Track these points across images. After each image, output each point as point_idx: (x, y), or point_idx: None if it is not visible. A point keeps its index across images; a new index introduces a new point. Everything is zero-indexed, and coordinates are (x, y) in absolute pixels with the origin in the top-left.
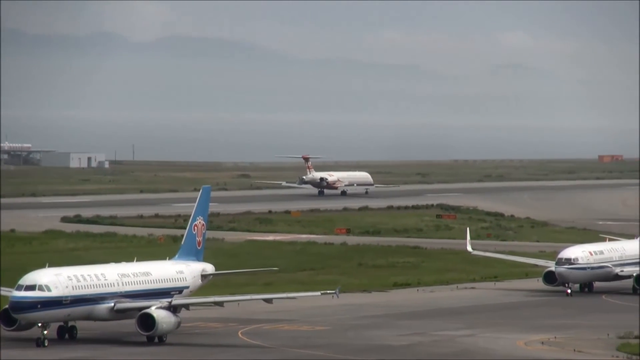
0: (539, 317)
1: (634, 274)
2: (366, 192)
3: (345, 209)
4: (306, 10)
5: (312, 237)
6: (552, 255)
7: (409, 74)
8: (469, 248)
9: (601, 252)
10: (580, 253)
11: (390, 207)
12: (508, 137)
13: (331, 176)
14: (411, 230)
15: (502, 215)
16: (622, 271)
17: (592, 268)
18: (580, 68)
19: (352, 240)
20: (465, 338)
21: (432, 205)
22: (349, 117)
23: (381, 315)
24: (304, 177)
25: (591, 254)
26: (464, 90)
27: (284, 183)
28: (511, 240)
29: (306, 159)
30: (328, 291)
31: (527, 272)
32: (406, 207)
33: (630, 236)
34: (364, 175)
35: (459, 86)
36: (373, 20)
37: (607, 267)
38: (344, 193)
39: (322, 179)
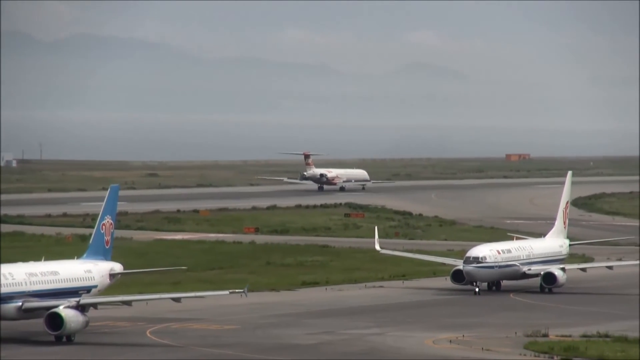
0: (447, 315)
1: (542, 273)
2: (363, 188)
3: (254, 208)
4: (213, 9)
5: (221, 236)
6: (460, 254)
7: (317, 73)
8: (377, 247)
9: (509, 251)
10: (488, 252)
11: (298, 206)
12: (416, 135)
13: (330, 173)
14: (320, 229)
15: (410, 214)
16: (529, 270)
17: (500, 267)
18: (489, 67)
19: (261, 239)
20: (373, 337)
21: (341, 204)
22: (257, 117)
23: (290, 314)
24: (305, 173)
25: (499, 253)
26: (371, 89)
27: (285, 179)
28: (419, 239)
29: (307, 156)
30: (236, 290)
31: (435, 270)
32: (315, 206)
33: (537, 235)
34: (361, 172)
35: (366, 85)
36: (280, 19)
37: (515, 265)
38: (342, 189)
39: (322, 175)
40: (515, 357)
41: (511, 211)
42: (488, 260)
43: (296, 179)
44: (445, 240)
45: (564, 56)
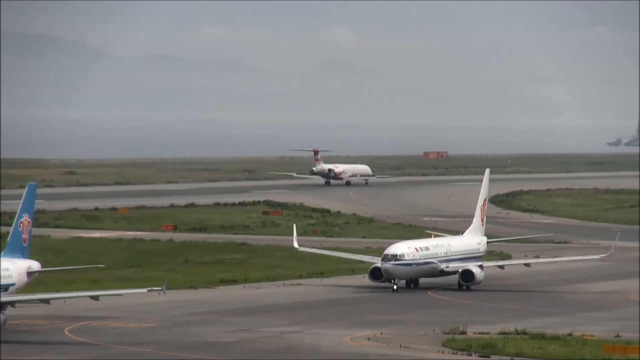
0: (365, 313)
1: (459, 270)
2: (366, 183)
3: (172, 206)
4: (131, 7)
5: (139, 234)
6: (379, 252)
7: (234, 70)
8: (296, 244)
9: (427, 248)
10: (406, 249)
11: (217, 204)
12: (334, 133)
13: (337, 168)
14: (238, 227)
15: (328, 211)
16: (447, 267)
17: (418, 264)
18: (405, 64)
19: (179, 237)
20: (291, 334)
21: (259, 201)
22: (176, 114)
23: (208, 312)
24: (314, 168)
25: (417, 250)
26: (288, 86)
27: (294, 174)
28: (337, 237)
29: (316, 152)
30: (155, 288)
31: (353, 268)
32: (233, 204)
33: (455, 232)
34: (365, 168)
35: (283, 82)
36: (196, 17)
37: (433, 263)
38: (348, 183)
39: (330, 170)
40: (433, 354)
41: (429, 209)
42: (406, 257)
43: (312, 174)
44: (364, 237)
45: (483, 53)
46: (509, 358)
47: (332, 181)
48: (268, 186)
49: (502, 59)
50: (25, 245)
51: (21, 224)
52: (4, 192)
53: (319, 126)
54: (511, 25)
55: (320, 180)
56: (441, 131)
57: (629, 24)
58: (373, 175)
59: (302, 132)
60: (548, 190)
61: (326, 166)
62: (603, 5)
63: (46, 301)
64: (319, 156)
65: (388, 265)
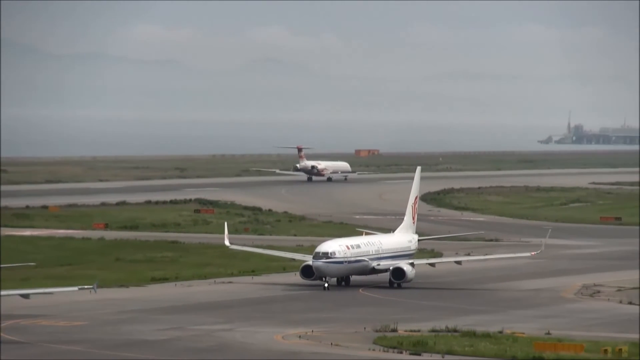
0: (297, 311)
1: (391, 268)
2: (345, 179)
3: (103, 204)
4: (62, 6)
5: (70, 232)
6: (310, 249)
7: (166, 68)
8: (227, 242)
9: (358, 246)
10: (337, 247)
11: (148, 202)
12: (264, 131)
13: (320, 165)
14: (169, 225)
15: (260, 209)
16: (378, 265)
17: (349, 262)
18: (336, 64)
19: (110, 235)
20: (223, 332)
21: (190, 199)
22: (109, 113)
23: (139, 310)
24: (298, 165)
25: (348, 248)
26: (220, 84)
27: (277, 171)
28: (269, 235)
29: (300, 149)
30: (86, 286)
31: (284, 266)
32: (164, 202)
33: (386, 230)
34: (345, 165)
35: (216, 81)
36: (127, 16)
37: (364, 261)
38: (329, 179)
39: (313, 167)
40: (364, 352)
41: (360, 206)
42: (337, 255)
43: (296, 170)
44: (295, 235)
45: (413, 51)
46: (439, 356)
47: (314, 177)
48: (200, 184)
49: (432, 56)
50: None
51: None
52: None
53: (251, 124)
54: (441, 23)
55: (303, 176)
56: (372, 129)
57: (558, 21)
58: (354, 172)
59: (234, 130)
60: (479, 188)
61: (309, 163)
62: (530, 4)
63: None
64: (302, 153)
65: (319, 263)
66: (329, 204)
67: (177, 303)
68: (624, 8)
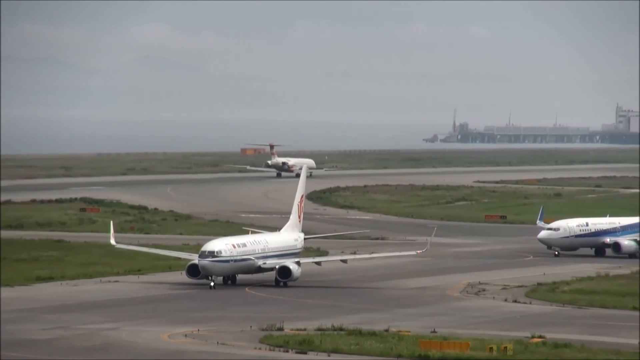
0: (183, 310)
1: (277, 267)
2: (310, 175)
3: None
4: None
5: None
6: (196, 248)
7: (48, 66)
8: (113, 241)
9: (244, 245)
10: (223, 246)
11: (33, 201)
12: (150, 130)
13: (290, 161)
14: (54, 224)
15: (146, 208)
16: (264, 264)
17: (235, 261)
18: (224, 62)
19: None
20: (109, 331)
21: (76, 198)
22: None
23: (24, 310)
24: (269, 161)
25: (234, 247)
26: (103, 82)
27: (248, 167)
28: (155, 234)
29: (272, 146)
30: None
31: (171, 265)
32: (50, 201)
33: (272, 228)
34: (311, 161)
35: (100, 79)
36: (11, 13)
37: (250, 259)
38: (298, 175)
39: (283, 163)
40: (250, 351)
41: (247, 205)
42: (223, 254)
43: (267, 166)
44: (181, 234)
45: (298, 51)
46: (326, 354)
47: (283, 173)
48: (85, 183)
49: (318, 55)
50: None
51: None
52: None
53: (136, 123)
54: (327, 21)
55: (273, 172)
56: (259, 127)
57: (441, 20)
58: (321, 168)
59: (118, 129)
60: (365, 186)
61: (280, 159)
62: (417, 5)
63: None
64: (274, 150)
65: (205, 262)
66: (215, 202)
67: (62, 302)
68: (504, 9)
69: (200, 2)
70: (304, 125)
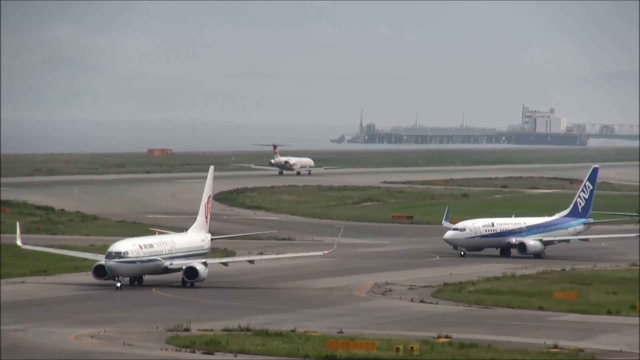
0: (90, 311)
1: (183, 267)
2: (309, 173)
3: None
4: None
5: None
6: (103, 249)
7: None
8: (19, 242)
9: (151, 246)
10: (130, 247)
11: None
12: (55, 130)
13: (291, 160)
14: None
15: (52, 209)
16: (171, 264)
17: (142, 261)
18: (125, 62)
19: None
20: (15, 333)
21: None
22: None
23: None
24: (272, 160)
25: (141, 248)
26: (9, 82)
27: (252, 165)
28: (62, 234)
29: (275, 146)
30: None
31: (77, 266)
32: None
33: (179, 229)
34: (309, 160)
35: (6, 79)
36: None
37: (157, 260)
38: (298, 173)
39: (286, 162)
40: (156, 351)
41: (153, 206)
42: (130, 255)
43: (271, 165)
44: (88, 235)
45: (203, 51)
46: (232, 355)
47: (284, 172)
48: None
49: (224, 56)
50: None
51: None
52: None
53: (40, 122)
54: (236, 22)
55: (275, 170)
56: (165, 128)
57: (353, 20)
58: (321, 167)
59: (16, 128)
60: (272, 187)
61: (282, 159)
62: (322, 4)
63: None
64: (277, 150)
65: (112, 262)
66: (122, 203)
67: None
68: (410, 8)
69: (104, 2)
70: (209, 126)
